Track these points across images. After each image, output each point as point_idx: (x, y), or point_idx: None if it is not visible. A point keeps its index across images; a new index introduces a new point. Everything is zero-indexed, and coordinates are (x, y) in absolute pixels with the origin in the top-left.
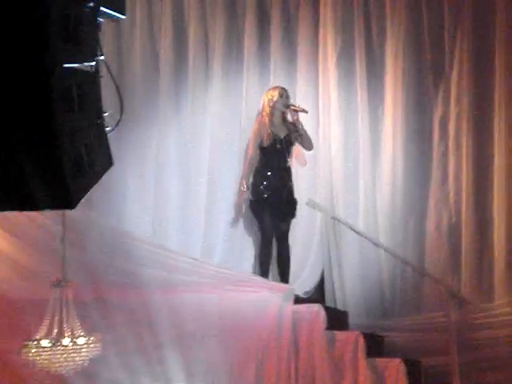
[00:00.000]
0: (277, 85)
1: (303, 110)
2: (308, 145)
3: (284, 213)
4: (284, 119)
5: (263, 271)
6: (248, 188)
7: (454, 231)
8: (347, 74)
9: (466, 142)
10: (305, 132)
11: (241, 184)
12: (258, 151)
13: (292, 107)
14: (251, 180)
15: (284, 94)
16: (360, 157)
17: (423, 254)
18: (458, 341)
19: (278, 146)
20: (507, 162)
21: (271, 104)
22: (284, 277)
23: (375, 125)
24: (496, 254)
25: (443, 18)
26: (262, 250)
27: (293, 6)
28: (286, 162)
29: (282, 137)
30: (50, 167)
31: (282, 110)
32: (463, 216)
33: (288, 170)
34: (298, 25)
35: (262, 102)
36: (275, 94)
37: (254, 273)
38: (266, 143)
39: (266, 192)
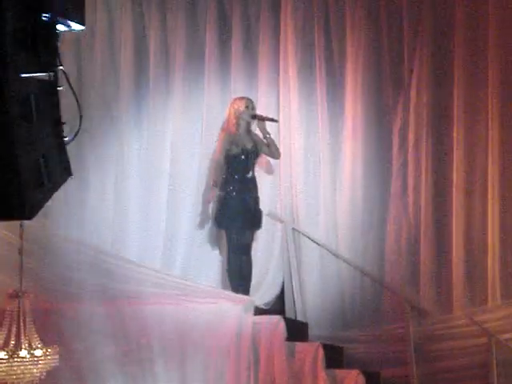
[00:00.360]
0: (242, 96)
1: (272, 119)
2: (275, 153)
3: (250, 224)
4: (249, 130)
5: (232, 283)
6: (217, 185)
7: (413, 242)
8: (308, 86)
9: (425, 153)
10: (272, 141)
11: (208, 183)
12: (224, 160)
13: (259, 117)
14: (218, 192)
15: (250, 105)
16: (320, 168)
17: (383, 265)
18: (416, 352)
19: (244, 156)
20: (466, 172)
21: (237, 114)
22: (245, 288)
23: (335, 135)
24: (454, 265)
25: (402, 29)
26: (231, 262)
27: (253, 17)
28: (251, 172)
29: (249, 147)
30: (7, 177)
31: (248, 120)
32: (422, 227)
33: (254, 181)
34: (258, 36)
35: (228, 111)
36: (241, 105)
37: (223, 285)
38: (232, 153)
39: (233, 202)
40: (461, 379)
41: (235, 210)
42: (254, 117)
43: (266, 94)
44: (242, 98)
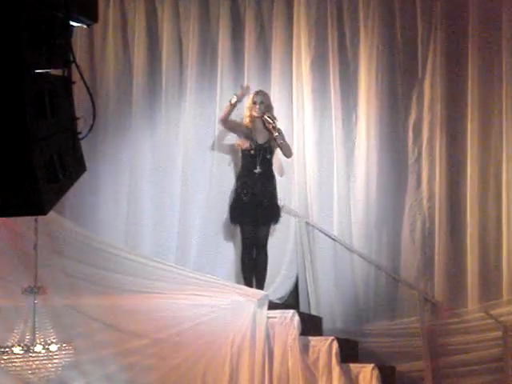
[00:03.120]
0: (260, 89)
1: (274, 128)
2: (286, 152)
3: (263, 218)
4: (265, 125)
5: (245, 278)
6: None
7: (428, 236)
8: (321, 80)
9: (439, 146)
10: (284, 140)
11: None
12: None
13: (265, 120)
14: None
15: (259, 99)
16: (334, 162)
17: (397, 259)
18: (431, 346)
19: (253, 151)
20: (480, 166)
21: (249, 109)
22: (260, 283)
23: (349, 130)
24: (469, 259)
25: (416, 23)
26: (244, 257)
27: (267, 11)
28: (264, 167)
29: (261, 143)
30: (22, 172)
31: (257, 116)
32: (437, 221)
33: (268, 176)
34: (271, 31)
35: (247, 103)
36: (250, 100)
37: (237, 279)
38: (243, 147)
39: (244, 197)
40: (476, 373)
41: (245, 205)
42: (262, 115)
43: (279, 87)
44: (257, 93)
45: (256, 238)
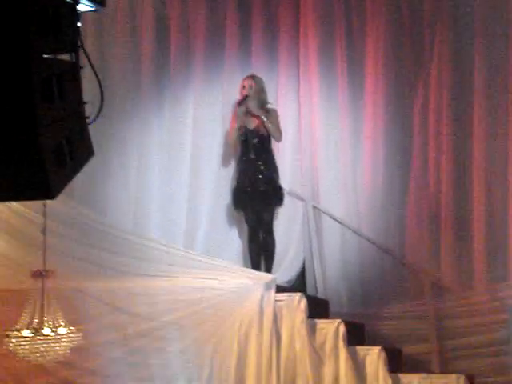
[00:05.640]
0: (251, 74)
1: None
2: (274, 135)
3: (263, 203)
4: (247, 111)
5: (252, 261)
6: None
7: (434, 220)
8: (328, 65)
9: (445, 131)
10: (268, 124)
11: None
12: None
13: (248, 106)
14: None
15: (249, 83)
16: (341, 146)
17: (404, 242)
18: (437, 329)
19: (243, 137)
20: (486, 151)
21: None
22: (268, 266)
23: (356, 114)
24: (475, 242)
25: (423, 9)
26: (250, 241)
27: None
28: (258, 152)
29: (250, 128)
30: (30, 157)
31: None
32: (443, 204)
33: (265, 160)
34: (278, 16)
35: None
36: (243, 84)
37: (244, 263)
38: (240, 132)
39: (242, 183)
40: (482, 355)
41: (244, 191)
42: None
43: (287, 72)
44: (243, 78)
45: (260, 222)
